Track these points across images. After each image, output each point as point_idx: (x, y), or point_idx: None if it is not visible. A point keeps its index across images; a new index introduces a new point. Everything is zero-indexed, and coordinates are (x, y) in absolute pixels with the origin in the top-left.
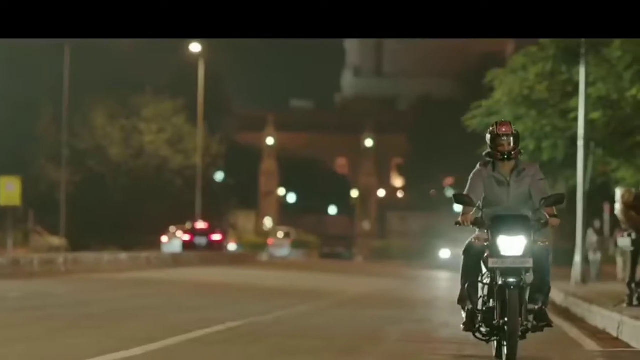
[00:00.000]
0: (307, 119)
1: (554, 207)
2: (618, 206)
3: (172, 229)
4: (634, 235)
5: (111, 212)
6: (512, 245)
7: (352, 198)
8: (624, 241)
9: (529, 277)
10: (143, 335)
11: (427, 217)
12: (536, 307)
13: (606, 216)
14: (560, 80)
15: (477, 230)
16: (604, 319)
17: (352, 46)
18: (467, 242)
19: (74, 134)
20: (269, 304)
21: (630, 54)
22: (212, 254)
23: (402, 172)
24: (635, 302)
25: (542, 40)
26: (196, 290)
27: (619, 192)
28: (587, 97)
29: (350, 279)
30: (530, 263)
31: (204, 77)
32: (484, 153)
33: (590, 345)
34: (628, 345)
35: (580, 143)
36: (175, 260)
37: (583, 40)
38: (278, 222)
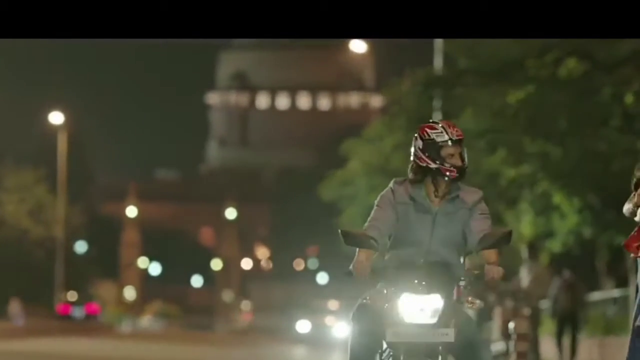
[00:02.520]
0: (172, 189)
1: (497, 252)
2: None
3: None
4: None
5: None
6: (422, 308)
7: (212, 270)
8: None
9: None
10: None
11: (291, 287)
12: None
13: None
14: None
15: (380, 284)
16: None
17: (217, 117)
18: (357, 302)
19: None
20: None
21: (483, 122)
22: (68, 323)
23: (266, 242)
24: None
25: (392, 111)
26: None
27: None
28: None
29: (194, 350)
30: (450, 336)
31: (65, 147)
32: (410, 166)
33: None
34: None
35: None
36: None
37: (435, 111)
38: (140, 293)
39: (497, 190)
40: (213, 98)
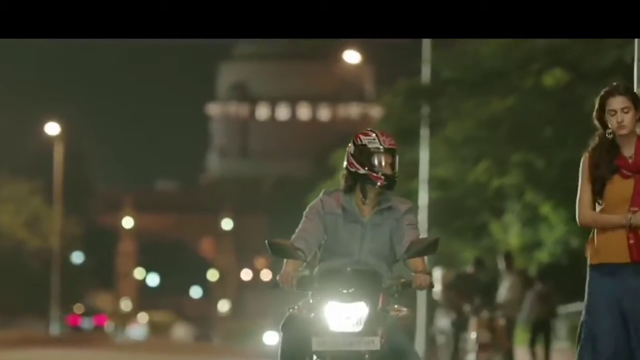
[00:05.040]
0: (172, 199)
1: (424, 260)
2: (437, 287)
3: None
4: (453, 317)
5: None
6: (348, 316)
7: (208, 280)
8: (443, 322)
9: None
10: None
11: (288, 297)
12: None
13: None
14: (405, 162)
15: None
16: None
17: (218, 127)
18: (286, 312)
19: None
20: None
21: (468, 132)
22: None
23: (264, 253)
24: None
25: (378, 122)
26: None
27: (439, 273)
28: (431, 178)
29: None
30: (375, 344)
31: (62, 158)
32: (341, 175)
33: None
34: None
35: (423, 225)
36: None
37: (422, 119)
38: (136, 304)
39: (482, 200)
40: (213, 109)
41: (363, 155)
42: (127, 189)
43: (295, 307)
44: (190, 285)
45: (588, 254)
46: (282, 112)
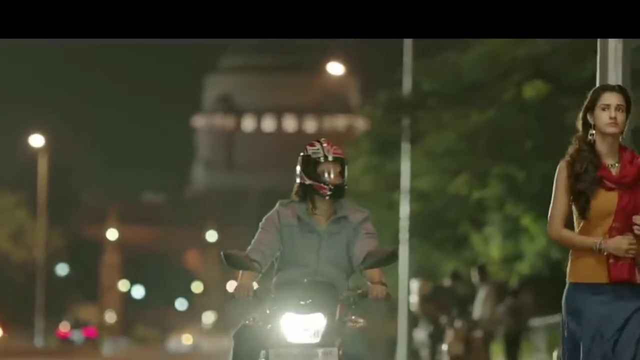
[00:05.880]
0: (157, 212)
1: (380, 270)
2: (415, 299)
3: None
4: (430, 329)
5: None
6: (305, 327)
7: (193, 292)
8: (421, 334)
9: None
10: None
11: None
12: None
13: None
14: (387, 174)
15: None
16: None
17: (203, 140)
18: (240, 323)
19: None
20: None
21: (448, 144)
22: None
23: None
24: None
25: (358, 134)
26: None
27: (416, 285)
28: (411, 190)
29: None
30: (333, 355)
31: (46, 170)
32: (294, 188)
33: None
34: None
35: (404, 237)
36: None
37: (404, 132)
38: (121, 316)
39: (463, 212)
40: (199, 121)
41: (309, 166)
42: (112, 201)
43: (251, 319)
44: (176, 297)
45: (568, 270)
46: (268, 124)
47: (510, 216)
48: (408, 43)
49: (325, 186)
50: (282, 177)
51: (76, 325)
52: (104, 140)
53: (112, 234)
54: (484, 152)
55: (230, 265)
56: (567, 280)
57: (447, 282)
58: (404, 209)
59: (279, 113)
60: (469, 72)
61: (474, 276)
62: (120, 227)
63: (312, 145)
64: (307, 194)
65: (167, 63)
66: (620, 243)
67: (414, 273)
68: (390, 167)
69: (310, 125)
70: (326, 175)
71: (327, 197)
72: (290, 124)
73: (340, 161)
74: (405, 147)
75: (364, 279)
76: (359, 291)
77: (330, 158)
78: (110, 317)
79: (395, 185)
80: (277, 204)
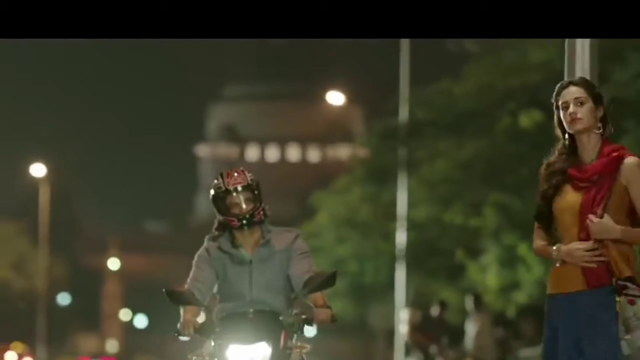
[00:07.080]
0: (160, 240)
1: (323, 293)
2: (404, 328)
3: None
4: (420, 358)
5: None
6: (251, 357)
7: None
8: None
9: None
10: None
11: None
12: None
13: None
14: (384, 203)
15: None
16: None
17: (207, 169)
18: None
19: None
20: None
21: (443, 172)
22: None
23: None
24: None
25: (353, 164)
26: None
27: (406, 314)
28: (407, 219)
29: None
30: None
31: (48, 199)
32: (215, 225)
33: None
34: None
35: (401, 265)
36: None
37: (400, 161)
38: (123, 345)
39: (459, 241)
40: (202, 150)
41: (217, 201)
42: (114, 230)
43: (196, 356)
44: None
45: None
46: (272, 154)
47: (507, 245)
48: (405, 70)
49: (234, 218)
50: (286, 206)
51: (95, 355)
52: (105, 170)
53: (113, 263)
54: (480, 181)
55: (173, 302)
56: (547, 292)
57: (434, 310)
58: (400, 237)
59: (282, 142)
60: (463, 101)
61: (468, 304)
62: (122, 256)
63: (216, 179)
64: (225, 228)
65: (171, 90)
66: (573, 250)
67: (410, 302)
68: (386, 196)
69: (314, 154)
70: (235, 206)
71: (239, 228)
72: (293, 153)
73: (245, 188)
74: (401, 176)
75: (308, 303)
76: (304, 317)
77: (231, 189)
78: (112, 346)
79: (391, 214)
80: (205, 240)
